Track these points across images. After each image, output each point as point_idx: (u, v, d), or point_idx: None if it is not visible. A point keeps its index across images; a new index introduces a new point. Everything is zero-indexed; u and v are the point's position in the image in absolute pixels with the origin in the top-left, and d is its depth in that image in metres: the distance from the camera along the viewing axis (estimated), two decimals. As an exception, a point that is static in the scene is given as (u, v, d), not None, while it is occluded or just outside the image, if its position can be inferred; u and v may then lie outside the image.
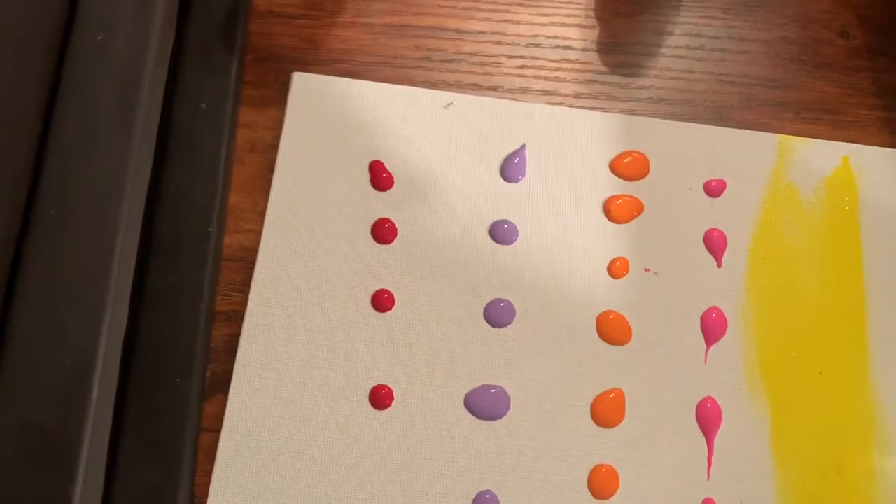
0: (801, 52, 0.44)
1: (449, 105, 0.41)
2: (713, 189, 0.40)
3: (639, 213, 0.39)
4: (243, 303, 0.36)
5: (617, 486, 0.34)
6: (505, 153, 0.40)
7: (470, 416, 0.35)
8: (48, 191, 0.30)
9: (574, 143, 0.40)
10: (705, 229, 0.39)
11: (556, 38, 0.43)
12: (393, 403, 0.35)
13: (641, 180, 0.40)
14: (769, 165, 0.41)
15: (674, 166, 0.40)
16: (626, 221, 0.39)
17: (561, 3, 0.44)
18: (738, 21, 0.44)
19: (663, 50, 0.43)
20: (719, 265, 0.39)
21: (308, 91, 0.40)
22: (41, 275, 0.28)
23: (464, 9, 0.43)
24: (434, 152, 0.40)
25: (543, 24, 0.43)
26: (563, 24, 0.43)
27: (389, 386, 0.35)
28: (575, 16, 0.44)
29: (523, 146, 0.40)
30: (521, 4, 0.43)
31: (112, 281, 0.29)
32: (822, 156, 0.41)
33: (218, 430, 0.34)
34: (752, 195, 0.40)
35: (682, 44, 0.43)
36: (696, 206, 0.40)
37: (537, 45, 0.43)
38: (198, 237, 0.36)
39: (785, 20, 0.44)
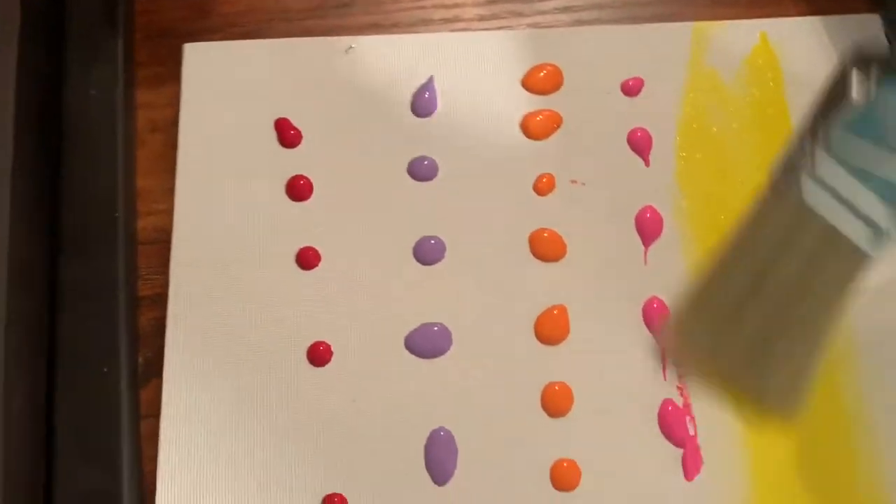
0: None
1: (349, 49, 0.39)
2: (631, 88, 0.39)
3: (558, 126, 0.38)
4: (165, 285, 0.35)
5: (571, 402, 0.33)
6: (413, 89, 0.39)
7: (413, 357, 0.34)
8: None
9: (483, 66, 0.39)
10: (628, 130, 0.38)
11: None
12: (332, 358, 0.34)
13: (556, 93, 0.39)
14: (685, 55, 0.39)
15: (587, 73, 0.39)
16: (545, 137, 0.38)
17: None
18: None
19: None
20: (647, 164, 0.37)
21: (201, 61, 0.39)
22: None
23: None
24: (340, 100, 0.38)
25: None
26: None
27: (326, 342, 0.34)
28: None
29: (431, 78, 0.39)
30: None
31: None
32: (739, 36, 0.40)
33: (158, 415, 0.33)
34: (672, 88, 0.39)
35: None
36: (615, 108, 0.38)
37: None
38: (105, 224, 0.34)
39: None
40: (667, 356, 0.34)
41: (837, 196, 0.27)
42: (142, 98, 0.39)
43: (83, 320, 0.33)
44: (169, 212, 0.37)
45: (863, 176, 0.27)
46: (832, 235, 0.27)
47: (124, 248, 0.34)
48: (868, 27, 0.40)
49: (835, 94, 0.28)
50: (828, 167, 0.27)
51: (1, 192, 0.31)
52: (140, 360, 0.34)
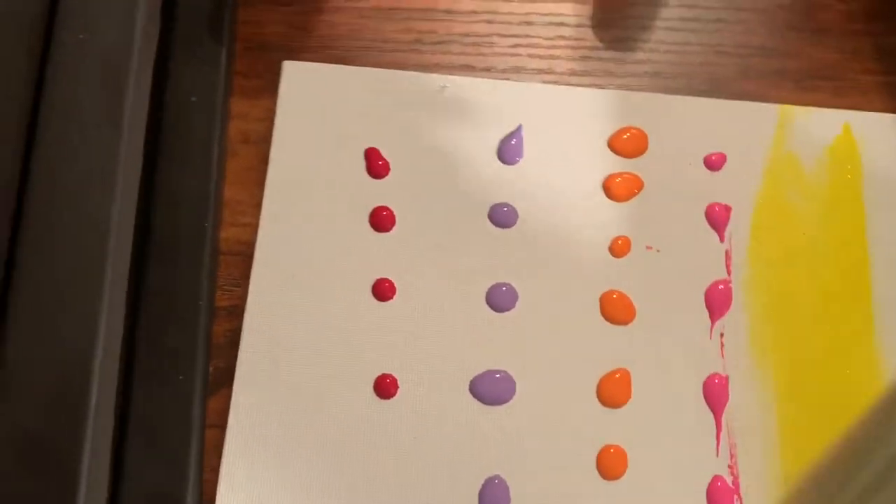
0: (798, 18, 0.43)
1: (443, 88, 0.40)
2: (713, 163, 0.39)
3: (639, 191, 0.39)
4: (243, 297, 0.36)
5: (626, 466, 0.34)
6: (501, 135, 0.39)
7: (475, 401, 0.35)
8: (37, 193, 0.29)
9: (570, 121, 0.40)
10: (706, 204, 0.38)
11: (549, 14, 0.42)
12: (398, 392, 0.35)
13: (640, 157, 0.39)
14: (769, 136, 0.40)
15: (672, 141, 0.40)
16: (626, 199, 0.39)
17: None
18: None
19: (658, 22, 0.42)
20: (721, 240, 0.38)
21: (299, 80, 0.40)
22: (33, 279, 0.28)
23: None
24: (429, 137, 0.39)
25: (536, 1, 0.42)
26: (556, 0, 0.43)
27: (394, 375, 0.35)
28: None
29: (520, 127, 0.40)
30: None
31: (106, 282, 0.28)
32: (822, 124, 0.40)
33: (223, 426, 0.34)
34: (753, 167, 0.39)
35: (677, 15, 0.42)
36: (696, 180, 0.39)
37: (530, 23, 0.42)
38: (194, 233, 0.35)
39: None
40: None
41: None
42: (236, 108, 0.40)
43: (164, 326, 0.33)
44: (253, 225, 0.37)
45: None
46: None
47: (209, 259, 0.35)
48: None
49: None
50: None
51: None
52: (211, 369, 0.35)
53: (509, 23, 0.42)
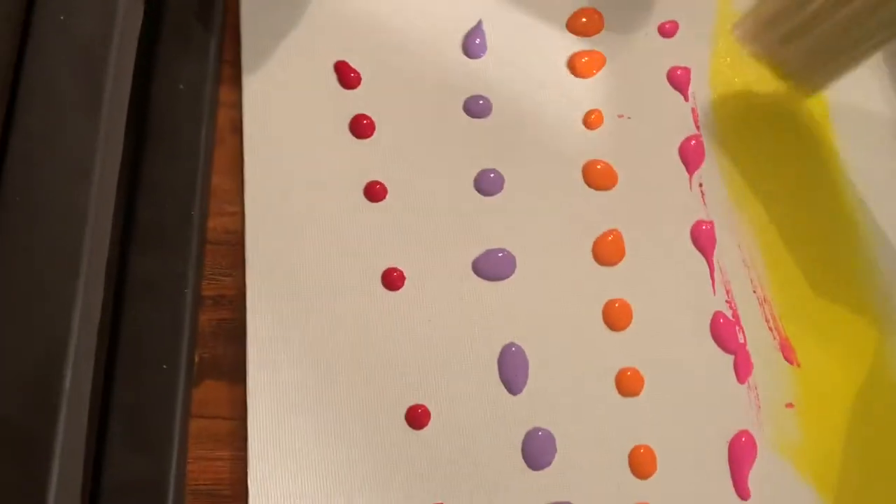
0: None
1: (400, -6, 0.41)
2: (667, 30, 0.41)
3: (602, 66, 0.40)
4: (230, 286, 0.36)
5: (630, 316, 0.36)
6: (463, 31, 0.41)
7: (481, 280, 0.36)
8: (13, 178, 0.28)
9: (527, 10, 0.41)
10: (667, 68, 0.40)
11: None
12: (406, 283, 0.36)
13: (599, 34, 0.41)
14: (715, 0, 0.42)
15: (626, 16, 0.41)
16: (592, 75, 0.40)
17: None
18: None
19: None
20: (686, 99, 0.40)
21: (260, 6, 0.40)
22: (8, 264, 0.27)
23: None
24: (393, 42, 0.40)
25: None
26: None
27: (399, 268, 0.36)
28: None
29: (480, 22, 0.41)
30: None
31: (82, 268, 0.27)
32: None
33: (208, 416, 0.34)
34: (705, 29, 0.41)
35: None
36: (654, 48, 0.41)
37: None
38: (180, 221, 0.34)
39: None
40: (741, 43, 0.38)
41: None
42: (225, 96, 0.39)
43: (149, 315, 0.33)
44: (240, 214, 0.37)
45: None
46: None
47: (196, 247, 0.35)
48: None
49: None
50: None
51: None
52: (196, 359, 0.35)
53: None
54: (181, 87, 0.37)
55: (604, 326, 0.36)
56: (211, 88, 0.38)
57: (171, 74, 0.37)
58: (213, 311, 0.36)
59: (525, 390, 0.35)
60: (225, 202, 0.38)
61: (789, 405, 0.35)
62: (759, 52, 0.37)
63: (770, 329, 0.36)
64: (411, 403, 0.34)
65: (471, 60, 0.40)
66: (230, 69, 0.40)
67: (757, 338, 0.36)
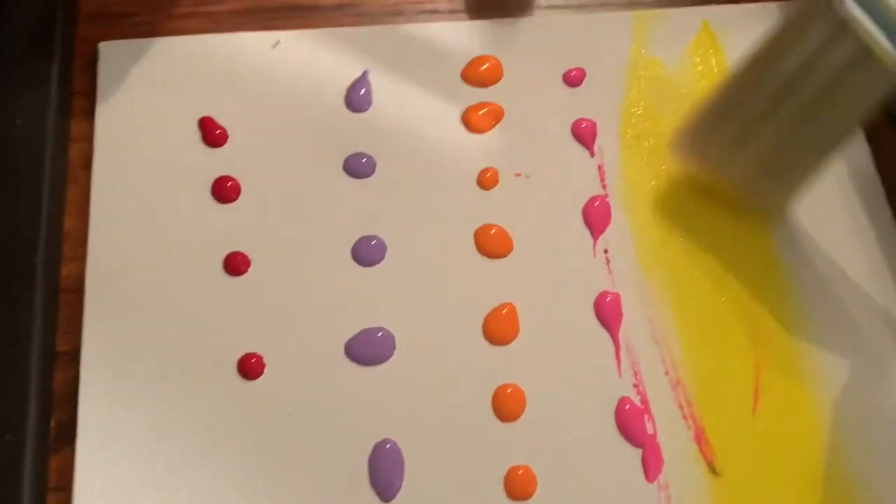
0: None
1: (277, 44, 0.37)
2: (573, 79, 0.37)
3: (500, 119, 0.36)
4: None
5: (524, 404, 0.31)
6: (347, 82, 0.37)
7: (354, 365, 0.32)
8: None
9: (420, 58, 0.37)
10: (572, 121, 0.36)
11: (420, 3, 0.39)
12: (265, 370, 0.31)
13: (496, 85, 0.37)
14: (626, 44, 0.38)
15: (528, 64, 0.38)
16: (488, 129, 0.36)
17: None
18: None
19: (540, 1, 0.39)
20: (592, 154, 0.36)
21: (118, 60, 0.36)
22: None
23: None
24: (268, 97, 0.36)
25: None
26: None
27: (258, 353, 0.32)
28: None
29: (366, 72, 0.37)
30: None
31: None
32: (680, 24, 0.39)
33: (69, 489, 0.29)
34: (614, 77, 0.37)
35: None
36: (557, 99, 0.37)
37: (400, 14, 0.39)
38: (22, 270, 0.31)
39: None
40: (679, 161, 0.34)
41: (871, 10, 0.27)
42: (77, 130, 0.36)
43: None
44: None
45: None
46: (862, 54, 0.28)
47: (42, 298, 0.31)
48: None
49: None
50: None
51: None
52: (52, 423, 0.31)
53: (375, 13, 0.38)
54: (18, 121, 0.34)
55: (493, 416, 0.31)
56: (55, 122, 0.34)
57: (5, 107, 0.34)
58: (72, 367, 0.32)
59: (399, 496, 0.30)
60: (80, 245, 0.34)
61: (706, 507, 0.31)
62: (699, 161, 0.34)
63: (684, 418, 0.32)
64: (265, 515, 0.29)
65: (354, 114, 0.36)
66: (83, 100, 0.36)
67: (669, 428, 0.31)
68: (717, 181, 0.33)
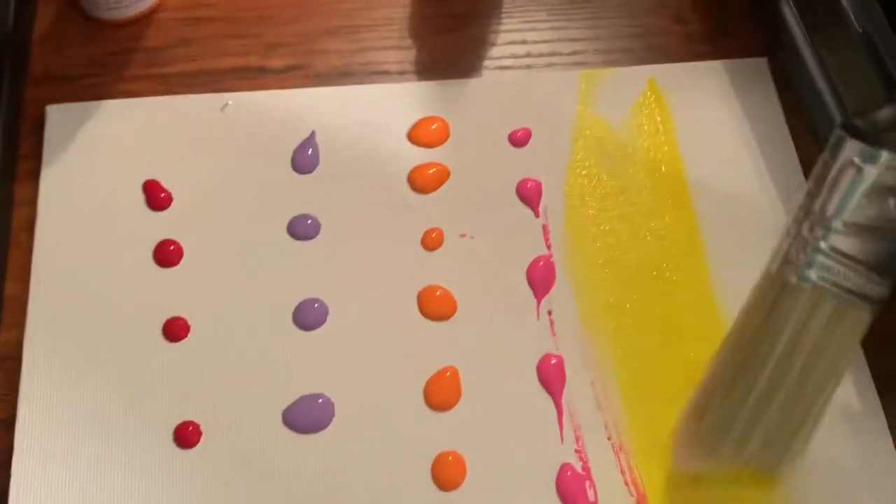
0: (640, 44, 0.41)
1: (224, 106, 0.37)
2: (518, 139, 0.37)
3: (446, 180, 0.37)
4: None
5: (464, 473, 0.31)
6: (294, 145, 0.37)
7: (291, 433, 0.31)
8: None
9: (367, 120, 0.38)
10: (517, 181, 0.36)
11: (369, 64, 0.40)
12: (202, 438, 0.31)
13: (443, 145, 0.37)
14: (572, 103, 0.38)
15: (474, 124, 0.38)
16: (433, 190, 0.36)
17: (372, 26, 0.40)
18: (565, 21, 0.41)
19: (486, 63, 0.40)
20: (537, 215, 0.36)
21: (65, 122, 0.36)
22: None
23: (266, 45, 0.40)
24: (215, 159, 0.36)
25: (355, 51, 0.40)
26: (377, 49, 0.40)
27: (195, 421, 0.31)
28: (388, 38, 0.40)
29: (312, 134, 0.37)
30: (328, 34, 0.40)
31: None
32: (626, 83, 0.39)
33: None
34: (560, 137, 0.38)
35: (508, 53, 0.40)
36: (503, 160, 0.37)
37: (350, 74, 0.39)
38: None
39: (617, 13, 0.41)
40: (680, 465, 0.32)
41: (840, 275, 0.28)
42: (21, 193, 0.36)
43: None
44: None
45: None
46: (841, 309, 0.28)
47: None
48: (755, 71, 0.40)
49: (825, 177, 0.29)
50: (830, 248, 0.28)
51: None
52: None
53: (328, 75, 0.38)
54: None
55: (433, 486, 0.31)
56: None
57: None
58: (7, 435, 0.31)
59: (334, 570, 0.29)
60: (20, 311, 0.33)
61: (649, 578, 0.30)
62: (711, 463, 0.31)
63: (626, 483, 0.31)
64: (196, 590, 0.29)
65: (300, 176, 0.36)
66: (28, 163, 0.36)
67: (611, 495, 0.31)
68: (731, 468, 0.32)
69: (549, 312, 0.34)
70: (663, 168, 0.37)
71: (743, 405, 0.29)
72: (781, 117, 0.38)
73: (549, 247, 0.35)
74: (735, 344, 0.30)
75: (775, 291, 0.29)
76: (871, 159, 0.29)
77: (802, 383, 0.29)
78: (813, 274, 0.28)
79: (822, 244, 0.28)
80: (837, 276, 0.28)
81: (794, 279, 0.29)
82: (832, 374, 0.29)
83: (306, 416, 0.32)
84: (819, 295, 0.28)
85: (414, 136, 0.37)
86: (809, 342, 0.28)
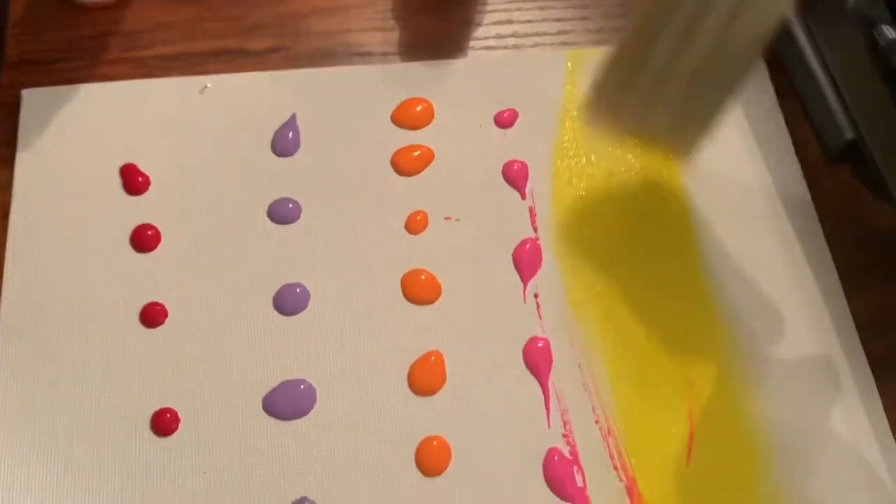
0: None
1: (204, 89, 0.37)
2: (504, 120, 0.37)
3: (430, 162, 0.36)
4: None
5: (449, 457, 0.30)
6: (274, 127, 0.36)
7: (271, 419, 0.30)
8: None
9: (349, 102, 0.37)
10: (503, 163, 0.36)
11: (351, 45, 0.39)
12: (179, 426, 0.30)
13: (427, 127, 0.37)
14: (559, 84, 0.38)
15: (459, 106, 0.37)
16: (417, 172, 0.36)
17: (355, 7, 0.39)
18: (552, 0, 0.40)
19: (472, 43, 0.39)
20: (523, 197, 0.35)
21: (41, 107, 0.36)
22: None
23: (247, 27, 0.39)
24: (193, 143, 0.35)
25: (337, 33, 0.39)
26: (359, 30, 0.39)
27: (173, 408, 0.30)
28: (371, 19, 0.39)
29: (293, 116, 0.36)
30: (310, 15, 0.39)
31: None
32: (614, 63, 0.39)
33: None
34: (547, 118, 0.37)
35: (493, 33, 0.39)
36: (488, 141, 0.36)
37: (332, 56, 0.38)
38: None
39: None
40: (591, 130, 0.33)
41: None
42: None
43: None
44: None
45: None
46: None
47: None
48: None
49: None
50: None
51: None
52: None
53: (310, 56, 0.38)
54: None
55: (417, 471, 0.30)
56: None
57: None
58: None
59: (315, 558, 0.29)
60: None
61: (638, 563, 0.29)
62: (615, 129, 0.32)
63: (615, 468, 0.30)
64: (173, 581, 0.28)
65: (281, 159, 0.35)
66: (4, 149, 0.35)
67: (599, 480, 0.30)
68: (635, 139, 0.33)
69: (536, 296, 0.33)
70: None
71: (647, 66, 0.28)
72: (774, 97, 0.38)
73: (535, 229, 0.35)
74: (646, 8, 0.29)
75: None
76: None
77: (711, 60, 0.28)
78: None
79: None
80: None
81: None
82: (744, 58, 0.28)
83: (287, 403, 0.31)
84: None
85: (397, 118, 0.37)
86: (723, 8, 0.27)
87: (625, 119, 0.30)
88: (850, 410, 0.32)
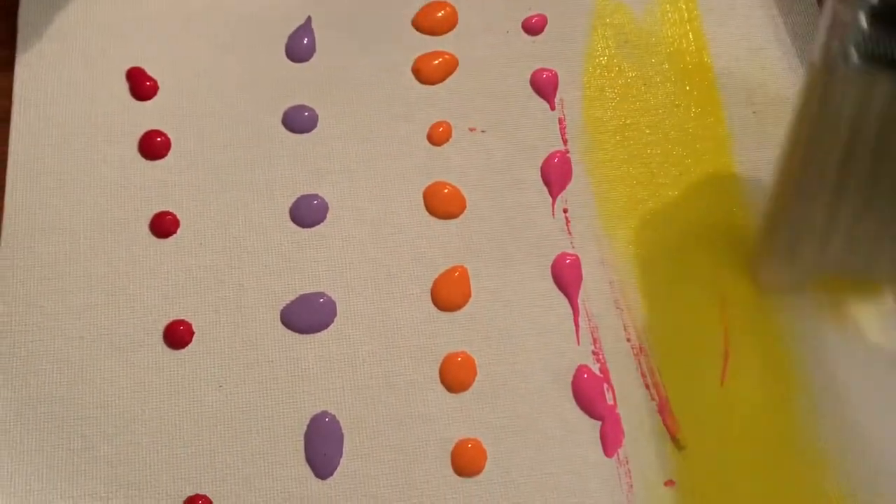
0: None
1: (213, -10, 0.35)
2: (533, 26, 0.35)
3: (453, 70, 0.34)
4: None
5: (474, 374, 0.29)
6: (289, 31, 0.34)
7: (290, 333, 0.29)
8: None
9: (368, 4, 0.34)
10: (531, 72, 0.34)
11: None
12: (193, 339, 0.29)
13: (451, 32, 0.34)
14: (592, -11, 0.36)
15: (485, 10, 0.35)
16: (440, 81, 0.34)
17: None
18: None
19: None
20: (552, 107, 0.33)
21: (41, 6, 0.33)
22: None
23: None
24: (204, 45, 0.33)
25: None
26: None
27: (187, 320, 0.29)
28: None
29: (309, 20, 0.34)
30: None
31: None
32: (649, -32, 0.36)
33: None
34: (578, 25, 0.35)
35: None
36: (516, 48, 0.34)
37: None
38: None
39: None
40: (768, 288, 0.31)
41: (885, 47, 0.26)
42: None
43: None
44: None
45: None
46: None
47: None
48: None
49: None
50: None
51: None
52: None
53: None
54: None
55: (441, 387, 0.29)
56: None
57: None
58: None
59: (337, 473, 0.28)
60: None
61: (669, 482, 0.28)
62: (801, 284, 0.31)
63: (647, 387, 0.29)
64: (191, 493, 0.27)
65: (295, 64, 0.34)
66: (2, 51, 0.33)
67: (630, 399, 0.29)
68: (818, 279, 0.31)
69: (565, 210, 0.32)
70: (688, 58, 0.34)
71: (815, 203, 0.27)
72: (814, 5, 0.36)
73: (565, 142, 0.33)
74: (792, 147, 0.28)
75: (822, 85, 0.26)
76: None
77: (875, 177, 0.26)
78: (854, 53, 0.25)
79: (860, 17, 0.26)
80: (884, 48, 0.25)
81: (837, 64, 0.26)
82: None
83: (306, 316, 0.30)
84: (870, 78, 0.26)
85: (418, 23, 0.34)
86: (871, 132, 0.26)
87: (804, 256, 0.28)
88: (890, 328, 0.30)
